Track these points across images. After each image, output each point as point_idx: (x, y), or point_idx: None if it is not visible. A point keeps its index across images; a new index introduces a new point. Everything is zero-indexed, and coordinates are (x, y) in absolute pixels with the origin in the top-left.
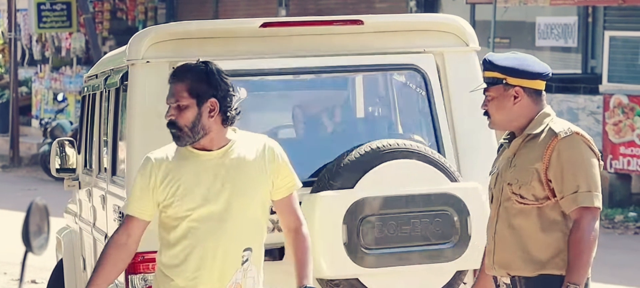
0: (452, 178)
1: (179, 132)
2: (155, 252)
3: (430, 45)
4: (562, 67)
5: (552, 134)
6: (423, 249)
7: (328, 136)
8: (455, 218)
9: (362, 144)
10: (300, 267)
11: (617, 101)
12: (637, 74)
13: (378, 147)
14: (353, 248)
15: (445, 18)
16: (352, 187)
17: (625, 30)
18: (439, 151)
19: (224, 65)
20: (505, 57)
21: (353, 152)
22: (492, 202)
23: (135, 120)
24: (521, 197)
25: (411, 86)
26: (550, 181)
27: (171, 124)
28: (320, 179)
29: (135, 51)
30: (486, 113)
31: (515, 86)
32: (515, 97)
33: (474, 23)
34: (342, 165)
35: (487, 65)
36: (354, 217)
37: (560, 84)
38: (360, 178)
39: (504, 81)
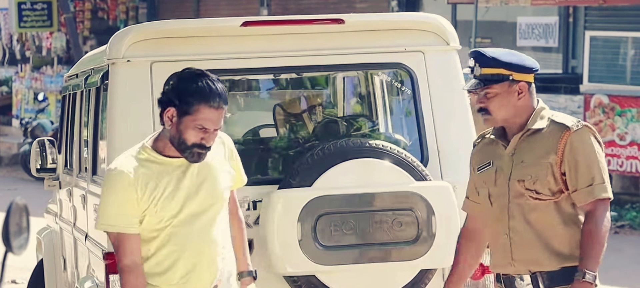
0: (420, 178)
1: (205, 152)
2: None
3: (411, 44)
4: (543, 67)
5: (563, 127)
6: (383, 247)
7: (309, 135)
8: (419, 217)
9: (329, 143)
10: (242, 250)
11: (598, 101)
12: (618, 73)
13: (340, 146)
14: (308, 246)
15: (426, 17)
16: (310, 186)
17: (605, 30)
18: (421, 149)
19: (204, 64)
20: (504, 53)
21: (315, 151)
22: (489, 199)
23: (116, 120)
24: (536, 192)
25: (395, 85)
26: (564, 174)
27: (204, 147)
28: (284, 178)
29: (115, 50)
30: (484, 110)
31: (520, 82)
32: (519, 93)
33: (455, 23)
34: (302, 164)
35: (490, 61)
36: (310, 215)
37: (541, 84)
38: (318, 176)
39: (511, 77)
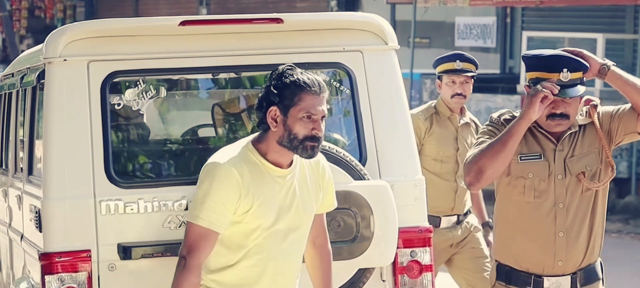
0: (358, 177)
1: (318, 145)
2: (73, 251)
3: (350, 44)
4: (480, 67)
5: (585, 113)
6: None
7: (248, 135)
8: (358, 217)
9: None
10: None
11: None
12: None
13: None
14: None
15: (365, 17)
16: None
17: (542, 30)
18: (360, 149)
19: (143, 64)
20: (573, 53)
21: None
22: (533, 194)
23: (53, 119)
24: (590, 181)
25: (333, 84)
26: (610, 131)
27: (316, 139)
28: None
29: (52, 49)
30: (562, 115)
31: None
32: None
33: (394, 23)
34: None
35: (580, 65)
36: None
37: (479, 84)
38: None
39: (584, 78)
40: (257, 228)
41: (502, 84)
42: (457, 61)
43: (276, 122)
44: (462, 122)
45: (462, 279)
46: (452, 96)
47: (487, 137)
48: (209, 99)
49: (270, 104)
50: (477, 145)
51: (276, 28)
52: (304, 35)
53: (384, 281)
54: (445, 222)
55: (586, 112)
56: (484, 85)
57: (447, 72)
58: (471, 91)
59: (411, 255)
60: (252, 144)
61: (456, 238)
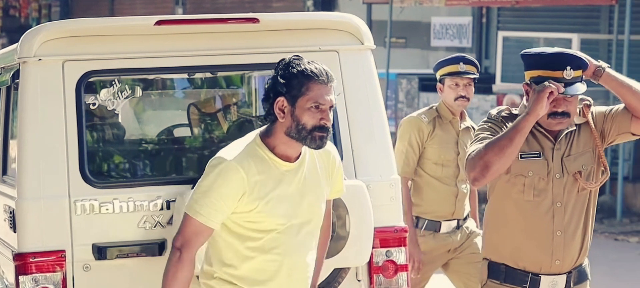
0: None
1: (327, 135)
2: (48, 252)
3: (326, 44)
4: None
5: (580, 113)
6: None
7: (223, 134)
8: (333, 216)
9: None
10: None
11: (510, 101)
12: None
13: None
14: None
15: (341, 16)
16: None
17: (518, 30)
18: (337, 148)
19: (118, 63)
20: (575, 51)
21: None
22: (533, 193)
23: (27, 119)
24: (586, 181)
25: None
26: (603, 131)
27: (324, 129)
28: (199, 178)
29: (27, 49)
30: (563, 114)
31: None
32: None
33: (370, 23)
34: None
35: (582, 62)
36: None
37: None
38: None
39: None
40: (269, 225)
41: (478, 83)
42: (461, 64)
43: (284, 112)
44: (463, 126)
45: (462, 284)
46: (456, 99)
47: (488, 133)
48: (185, 99)
49: (278, 94)
50: (477, 141)
51: (252, 28)
52: (280, 35)
53: (359, 281)
54: (446, 227)
55: (580, 111)
56: None
57: (450, 74)
58: (473, 94)
59: (386, 255)
60: (260, 138)
61: (455, 243)
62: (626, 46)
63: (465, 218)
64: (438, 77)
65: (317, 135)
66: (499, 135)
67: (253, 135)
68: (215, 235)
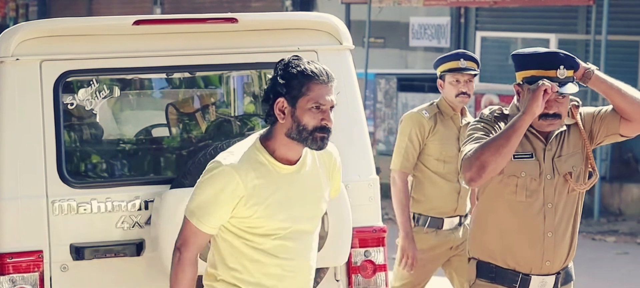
0: None
1: (328, 136)
2: (25, 252)
3: (305, 44)
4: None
5: (569, 113)
6: None
7: (202, 134)
8: None
9: (222, 143)
10: None
11: (489, 101)
12: (508, 73)
13: (230, 145)
14: None
15: (319, 16)
16: None
17: (496, 30)
18: None
19: (96, 63)
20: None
21: (208, 151)
22: (525, 193)
23: (4, 120)
24: (576, 182)
25: None
26: (592, 132)
27: (326, 130)
28: (176, 177)
29: (4, 49)
30: (555, 115)
31: None
32: None
33: (349, 23)
34: (194, 163)
35: (575, 62)
36: None
37: (433, 84)
38: None
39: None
40: (270, 229)
41: None
42: (461, 60)
43: (284, 113)
44: (464, 122)
45: (464, 280)
46: (457, 95)
47: (482, 133)
48: (163, 99)
49: (277, 95)
50: (472, 141)
51: (230, 28)
52: (259, 35)
53: (337, 281)
54: (448, 223)
55: (569, 112)
56: (437, 85)
57: (450, 71)
58: (473, 90)
59: (365, 255)
60: (260, 141)
61: (457, 240)
62: (603, 46)
63: (466, 215)
64: (438, 73)
65: (318, 136)
66: (495, 136)
67: (253, 138)
68: (218, 237)
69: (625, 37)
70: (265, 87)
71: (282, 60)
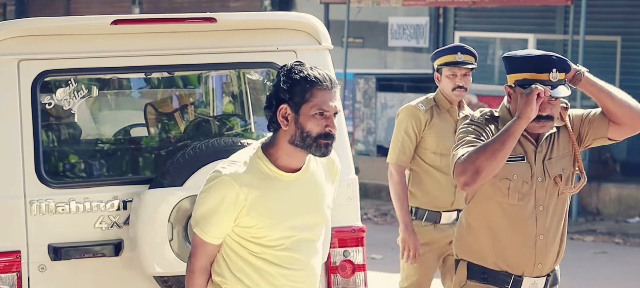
0: None
1: (332, 143)
2: (3, 252)
3: (284, 44)
4: (413, 67)
5: (558, 116)
6: None
7: (181, 134)
8: None
9: (201, 143)
10: None
11: (467, 100)
12: (487, 73)
13: (212, 145)
14: (179, 246)
15: (298, 16)
16: (181, 185)
17: (475, 30)
18: None
19: (74, 63)
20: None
21: (186, 151)
22: (517, 196)
23: None
24: (565, 185)
25: (267, 84)
26: (580, 135)
27: (330, 136)
28: (155, 177)
29: None
30: (548, 117)
31: None
32: None
33: (328, 22)
34: (173, 163)
35: (567, 65)
36: (181, 215)
37: (412, 84)
38: (189, 176)
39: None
40: (274, 240)
41: (435, 83)
42: (459, 53)
43: (287, 120)
44: (461, 115)
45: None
46: (454, 89)
47: (473, 136)
48: (142, 99)
49: (280, 101)
50: (464, 144)
51: (209, 27)
52: (238, 34)
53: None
54: (446, 217)
55: (558, 114)
56: (416, 85)
57: (447, 64)
58: (471, 83)
59: (344, 255)
60: (263, 149)
61: (454, 235)
62: (581, 46)
63: None
64: (435, 66)
65: (322, 143)
66: (489, 140)
67: (256, 146)
68: (224, 246)
69: (603, 37)
70: (268, 94)
71: (285, 65)
